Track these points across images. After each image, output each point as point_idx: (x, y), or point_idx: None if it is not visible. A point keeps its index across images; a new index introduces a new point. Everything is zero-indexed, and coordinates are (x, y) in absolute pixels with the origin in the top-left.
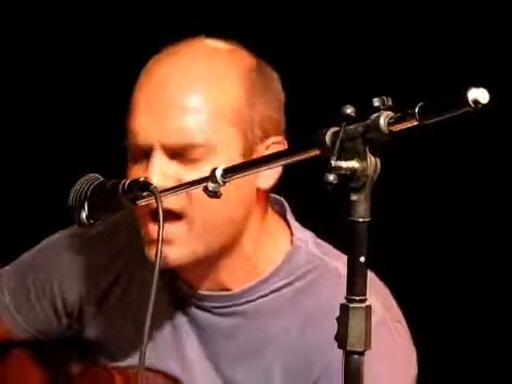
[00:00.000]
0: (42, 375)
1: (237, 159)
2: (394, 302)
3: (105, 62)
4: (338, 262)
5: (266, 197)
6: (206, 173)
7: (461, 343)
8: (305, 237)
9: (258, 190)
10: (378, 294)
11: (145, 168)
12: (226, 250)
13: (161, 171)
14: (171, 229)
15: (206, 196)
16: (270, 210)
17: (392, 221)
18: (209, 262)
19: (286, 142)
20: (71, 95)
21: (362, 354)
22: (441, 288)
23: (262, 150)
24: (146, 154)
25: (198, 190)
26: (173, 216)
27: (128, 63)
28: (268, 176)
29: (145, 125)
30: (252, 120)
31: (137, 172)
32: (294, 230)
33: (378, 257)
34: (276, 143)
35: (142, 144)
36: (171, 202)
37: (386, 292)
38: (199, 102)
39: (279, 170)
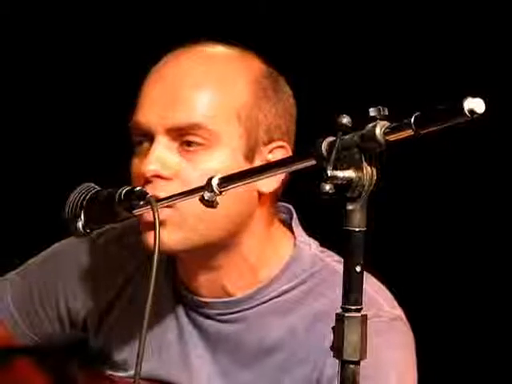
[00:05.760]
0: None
1: (238, 157)
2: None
3: (105, 62)
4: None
5: (271, 202)
6: (205, 170)
7: (460, 350)
8: (308, 240)
9: (260, 193)
10: (386, 297)
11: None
12: (225, 248)
13: (160, 158)
14: (163, 212)
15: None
16: (276, 219)
17: (394, 226)
18: (208, 260)
19: (290, 149)
20: (71, 96)
21: (357, 363)
22: (441, 292)
23: (265, 153)
24: (148, 147)
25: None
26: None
27: (129, 62)
28: (270, 179)
29: (149, 111)
30: (258, 121)
31: (138, 165)
32: (297, 234)
33: (380, 262)
34: (279, 147)
35: (145, 129)
36: (163, 193)
37: (389, 295)
38: (207, 91)
39: (283, 175)
